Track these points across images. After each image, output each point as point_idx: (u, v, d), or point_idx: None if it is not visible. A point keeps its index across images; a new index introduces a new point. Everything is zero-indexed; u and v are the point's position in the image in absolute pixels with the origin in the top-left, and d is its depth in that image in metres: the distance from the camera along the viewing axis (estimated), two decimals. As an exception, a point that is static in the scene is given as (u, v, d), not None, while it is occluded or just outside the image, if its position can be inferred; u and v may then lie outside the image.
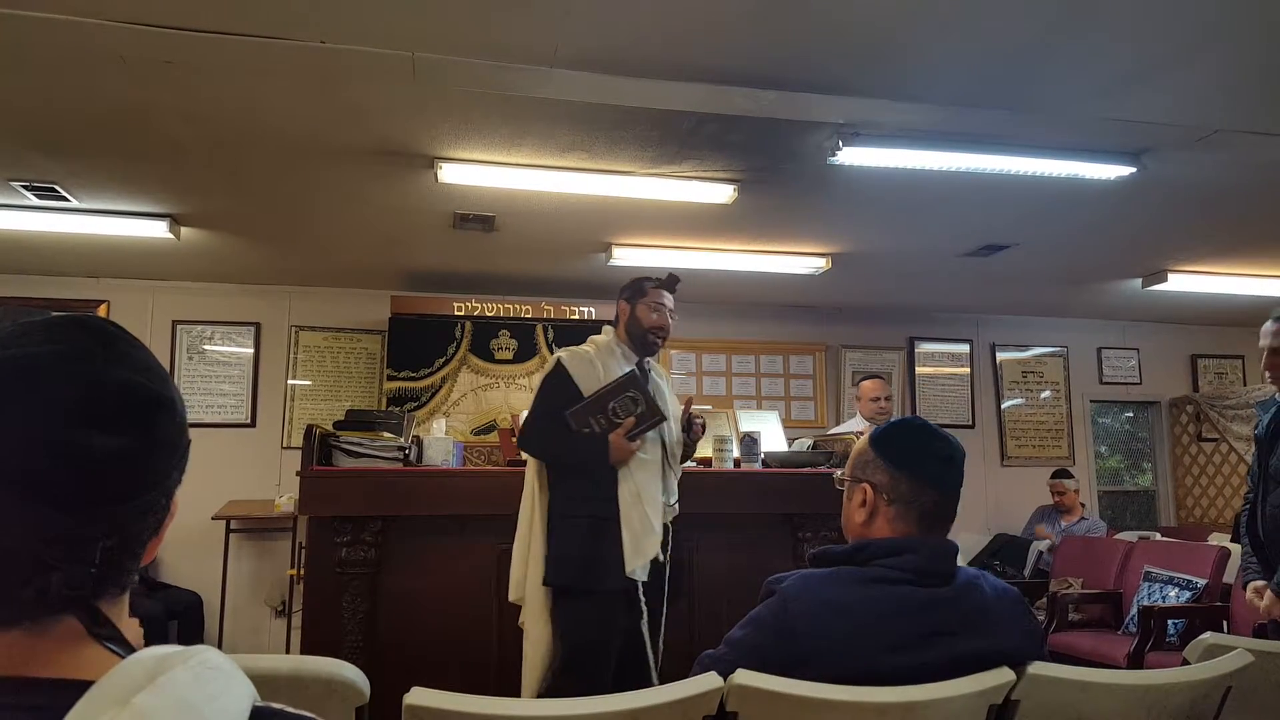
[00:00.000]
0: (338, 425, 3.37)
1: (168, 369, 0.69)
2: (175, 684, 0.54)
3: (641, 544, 2.63)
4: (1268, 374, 2.56)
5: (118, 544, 0.62)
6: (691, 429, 2.87)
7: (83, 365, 0.62)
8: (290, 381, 5.88)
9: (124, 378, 0.63)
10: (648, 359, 2.91)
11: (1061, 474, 6.07)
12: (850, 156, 3.42)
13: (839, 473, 1.61)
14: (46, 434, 0.58)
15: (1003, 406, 7.08)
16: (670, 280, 2.94)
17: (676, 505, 2.88)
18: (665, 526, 2.78)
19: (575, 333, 5.32)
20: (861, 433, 2.16)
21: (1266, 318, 2.62)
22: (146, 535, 0.65)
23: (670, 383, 3.05)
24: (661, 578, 2.78)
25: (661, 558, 2.72)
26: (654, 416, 2.68)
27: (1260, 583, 2.49)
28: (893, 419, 2.32)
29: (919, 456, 1.48)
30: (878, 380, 4.89)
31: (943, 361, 7.04)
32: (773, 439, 3.89)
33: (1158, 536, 5.85)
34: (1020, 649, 1.42)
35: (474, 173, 3.75)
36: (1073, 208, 4.35)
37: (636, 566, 2.62)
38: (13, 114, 3.24)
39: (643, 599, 2.70)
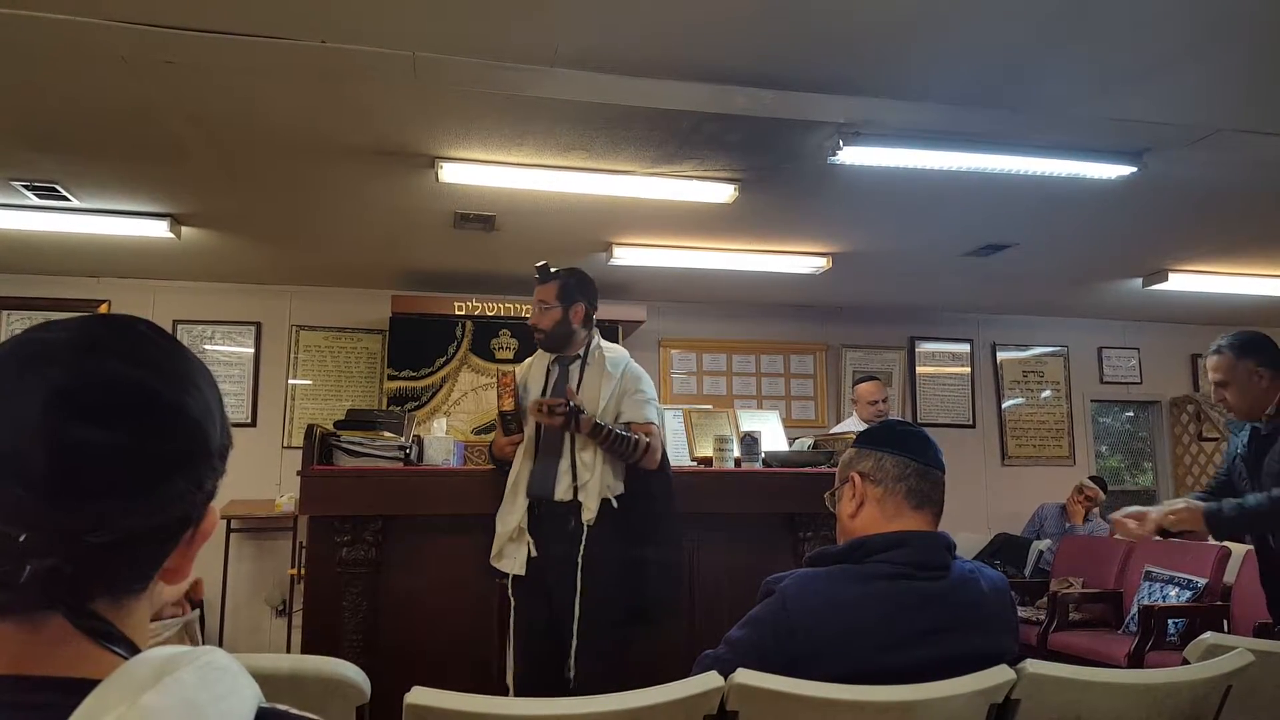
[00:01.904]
0: (338, 425, 3.37)
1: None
2: (181, 684, 0.54)
3: (495, 534, 2.81)
4: (1220, 404, 2.71)
5: (110, 543, 0.60)
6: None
7: (83, 355, 0.61)
8: (291, 381, 5.89)
9: (124, 373, 0.61)
10: (578, 354, 2.88)
11: (1099, 480, 6.00)
12: (851, 156, 3.42)
13: (829, 493, 1.64)
14: (29, 414, 0.58)
15: (1003, 406, 7.07)
16: (537, 270, 2.94)
17: (586, 501, 2.70)
18: (560, 517, 2.72)
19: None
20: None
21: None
22: (154, 543, 0.64)
23: (607, 376, 2.83)
24: (548, 573, 2.70)
25: (534, 552, 2.74)
26: (502, 414, 2.87)
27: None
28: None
29: (896, 435, 1.55)
30: (875, 383, 4.91)
31: (943, 361, 7.04)
32: (773, 439, 3.88)
33: (1158, 536, 5.84)
34: (1011, 647, 1.43)
35: (474, 172, 3.75)
36: (1074, 207, 4.35)
37: (495, 555, 2.79)
38: (13, 113, 3.24)
39: (510, 592, 2.78)
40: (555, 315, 2.83)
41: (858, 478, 1.52)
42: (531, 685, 2.71)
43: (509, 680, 2.79)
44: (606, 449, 2.69)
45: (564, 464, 2.72)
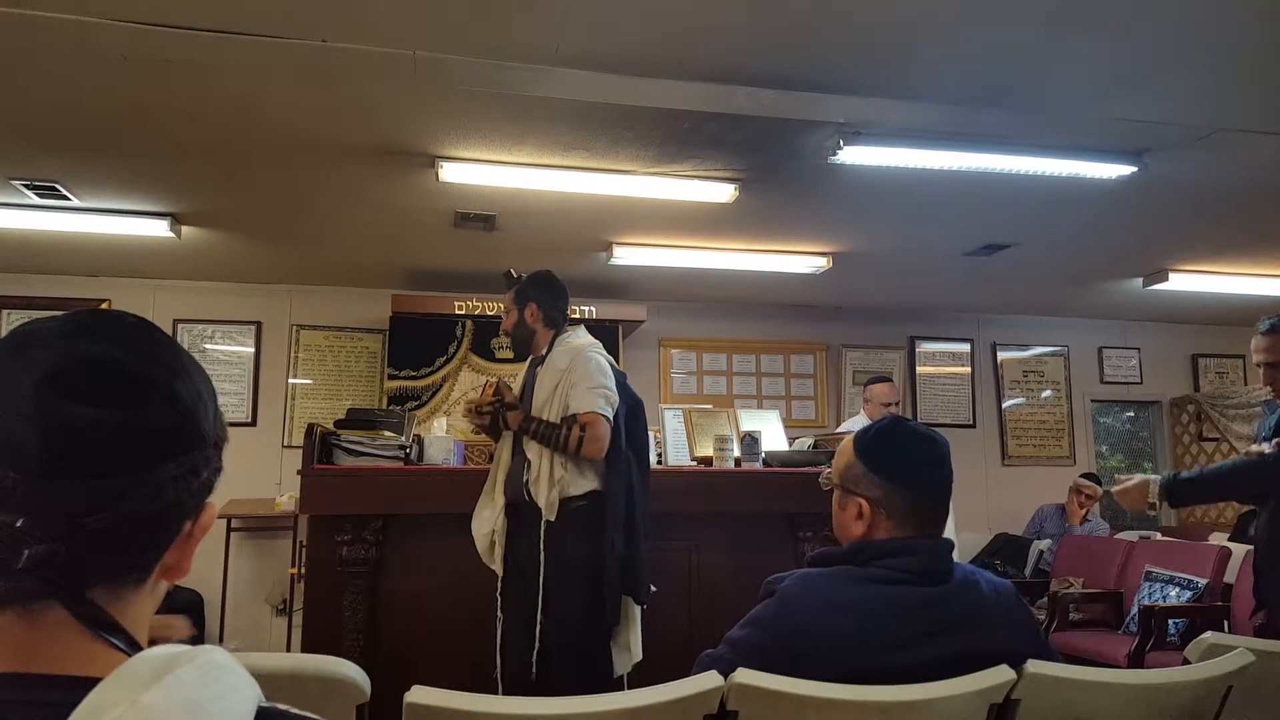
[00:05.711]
0: (339, 424, 3.37)
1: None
2: (182, 683, 0.54)
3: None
4: (1268, 387, 2.62)
5: (107, 528, 0.60)
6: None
7: (72, 339, 0.63)
8: (291, 380, 5.88)
9: (114, 355, 0.63)
10: (542, 355, 2.93)
11: (1092, 476, 6.00)
12: (851, 156, 3.42)
13: (825, 471, 1.61)
14: (20, 396, 0.59)
15: (1003, 406, 7.07)
16: (503, 278, 3.08)
17: (537, 499, 2.76)
18: (526, 514, 2.79)
19: (576, 332, 5.31)
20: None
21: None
22: (150, 529, 0.64)
23: (554, 372, 2.85)
24: (524, 570, 2.77)
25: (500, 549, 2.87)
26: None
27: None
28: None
29: (910, 468, 1.47)
30: (890, 384, 4.88)
31: (944, 361, 7.04)
32: (773, 438, 3.89)
33: (1158, 536, 5.85)
34: (1018, 647, 1.42)
35: (475, 172, 3.75)
36: (1074, 207, 4.35)
37: (482, 553, 2.88)
38: (14, 112, 3.24)
39: (498, 590, 2.86)
40: (513, 318, 2.95)
41: (865, 504, 1.46)
42: (515, 679, 2.77)
43: (497, 676, 2.83)
44: (539, 441, 2.75)
45: (524, 464, 2.81)
